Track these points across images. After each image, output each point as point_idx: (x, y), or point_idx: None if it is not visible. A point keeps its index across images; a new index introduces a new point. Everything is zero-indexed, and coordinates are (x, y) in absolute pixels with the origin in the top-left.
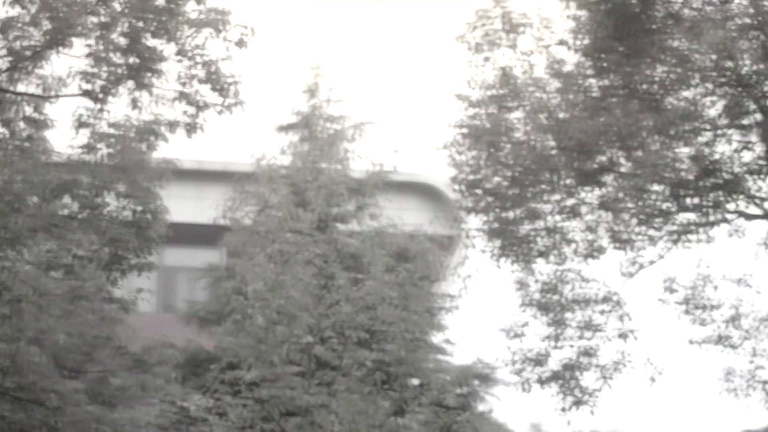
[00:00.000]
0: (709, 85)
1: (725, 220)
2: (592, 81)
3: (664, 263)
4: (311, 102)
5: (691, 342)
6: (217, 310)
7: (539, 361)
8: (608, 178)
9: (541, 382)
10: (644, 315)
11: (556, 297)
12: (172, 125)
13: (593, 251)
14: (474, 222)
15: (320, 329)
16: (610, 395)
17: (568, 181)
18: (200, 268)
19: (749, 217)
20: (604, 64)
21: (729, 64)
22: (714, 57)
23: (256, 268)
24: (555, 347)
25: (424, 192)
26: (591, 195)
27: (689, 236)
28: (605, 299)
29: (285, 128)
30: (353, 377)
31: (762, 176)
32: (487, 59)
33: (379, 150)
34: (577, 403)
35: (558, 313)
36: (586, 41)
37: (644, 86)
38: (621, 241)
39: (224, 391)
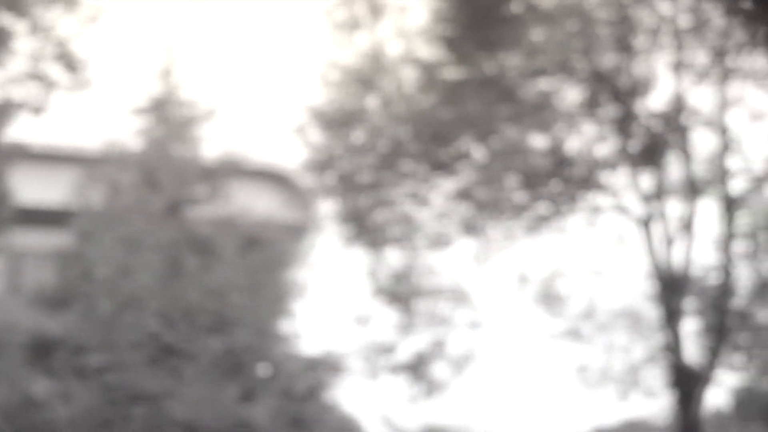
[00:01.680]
0: (565, 77)
1: (579, 213)
2: (449, 70)
3: (518, 255)
4: (164, 86)
5: (544, 336)
6: (65, 294)
7: (389, 349)
8: (462, 167)
9: (391, 371)
10: (501, 308)
11: (406, 286)
12: (20, 105)
13: (443, 240)
14: (326, 208)
15: (169, 315)
16: (463, 387)
17: (421, 170)
18: (49, 252)
19: (602, 210)
20: (461, 53)
21: (585, 56)
22: (570, 48)
23: (105, 252)
24: (406, 337)
25: (277, 180)
26: (445, 184)
27: (542, 227)
28: (454, 290)
29: (138, 111)
30: (201, 364)
31: (615, 169)
32: (348, 41)
33: (232, 136)
34: (427, 393)
35: (408, 302)
36: (445, 30)
37: (499, 76)
38: (473, 231)
39: (70, 375)
